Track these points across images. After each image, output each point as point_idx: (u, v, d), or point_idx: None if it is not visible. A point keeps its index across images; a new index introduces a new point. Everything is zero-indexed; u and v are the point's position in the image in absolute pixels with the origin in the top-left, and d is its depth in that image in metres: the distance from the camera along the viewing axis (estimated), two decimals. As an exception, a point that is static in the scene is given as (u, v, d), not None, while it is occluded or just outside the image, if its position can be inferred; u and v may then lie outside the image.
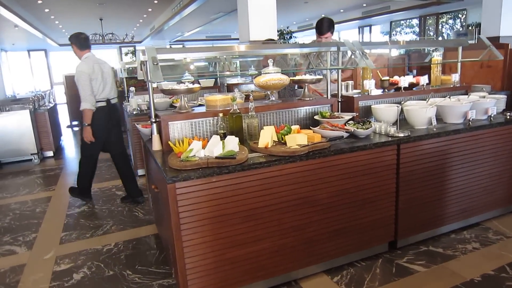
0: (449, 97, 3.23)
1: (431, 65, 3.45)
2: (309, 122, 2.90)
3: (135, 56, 13.97)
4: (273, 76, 2.77)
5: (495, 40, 6.30)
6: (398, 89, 3.25)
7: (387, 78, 3.31)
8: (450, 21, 13.02)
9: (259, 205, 2.16)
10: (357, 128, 2.51)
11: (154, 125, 2.55)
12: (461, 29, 12.11)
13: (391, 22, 14.75)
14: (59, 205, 4.33)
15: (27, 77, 18.98)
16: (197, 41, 19.15)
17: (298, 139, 2.25)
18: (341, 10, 13.88)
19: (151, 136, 2.61)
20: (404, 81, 3.19)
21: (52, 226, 3.74)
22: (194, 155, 2.15)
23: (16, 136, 6.33)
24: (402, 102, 3.03)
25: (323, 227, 2.37)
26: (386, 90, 3.27)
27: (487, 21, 9.19)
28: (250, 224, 2.15)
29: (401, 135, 2.50)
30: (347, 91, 3.25)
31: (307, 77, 2.97)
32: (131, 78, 6.71)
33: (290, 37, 13.30)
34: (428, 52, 4.43)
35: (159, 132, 2.57)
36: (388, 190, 2.53)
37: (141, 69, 2.62)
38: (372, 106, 2.94)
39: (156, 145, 2.56)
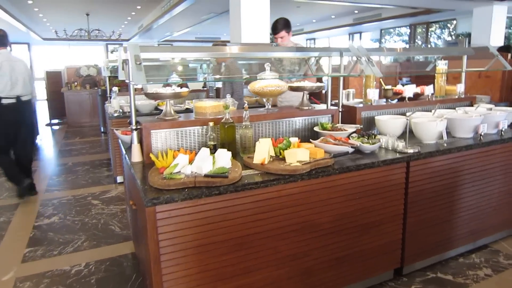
0: (455, 109, 3.02)
1: (436, 75, 3.23)
2: (308, 134, 2.63)
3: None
4: (270, 82, 2.49)
5: (484, 50, 6.20)
6: (401, 99, 3.01)
7: (390, 87, 3.07)
8: (439, 31, 13.02)
9: (253, 231, 1.86)
10: (363, 143, 2.25)
11: (135, 133, 2.23)
12: (450, 39, 12.10)
13: (381, 30, 14.69)
14: (27, 214, 3.95)
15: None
16: (186, 41, 18.77)
17: (299, 155, 1.97)
18: (333, 16, 13.74)
19: (131, 144, 2.29)
20: (409, 91, 2.95)
21: (15, 239, 3.36)
22: (179, 172, 1.85)
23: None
24: (407, 114, 2.79)
25: (323, 255, 2.09)
26: (389, 100, 3.03)
27: (477, 31, 9.18)
28: (241, 254, 1.85)
29: (411, 151, 2.24)
30: (347, 100, 3.00)
31: (307, 84, 2.70)
32: (115, 77, 6.34)
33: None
34: (429, 61, 4.22)
35: (140, 141, 2.25)
36: (395, 212, 2.27)
37: (123, 69, 2.31)
38: (376, 118, 2.69)
39: (136, 156, 2.24)
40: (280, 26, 3.65)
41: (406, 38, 14.18)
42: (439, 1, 8.87)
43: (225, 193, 1.74)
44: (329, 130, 2.45)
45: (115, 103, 4.61)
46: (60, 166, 5.88)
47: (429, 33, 12.72)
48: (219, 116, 2.34)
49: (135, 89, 2.28)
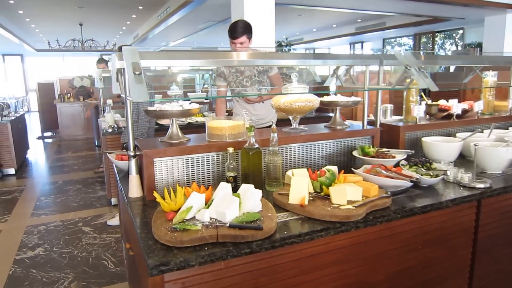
0: (508, 129, 2.59)
1: (483, 89, 2.79)
2: (344, 160, 2.17)
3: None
4: (300, 96, 2.04)
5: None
6: (447, 116, 2.57)
7: (432, 102, 2.63)
8: (445, 41, 12.71)
9: (292, 298, 1.39)
10: (421, 174, 1.79)
11: (133, 161, 1.76)
12: (458, 49, 11.79)
13: (383, 40, 14.38)
14: (8, 245, 3.44)
15: (0, 83, 17.72)
16: (183, 52, 18.38)
17: (349, 193, 1.51)
18: (334, 25, 13.42)
19: (128, 174, 1.82)
20: (457, 107, 2.51)
21: (-9, 280, 2.86)
22: (195, 219, 1.38)
23: (-31, 151, 5.38)
24: (458, 135, 2.35)
25: (377, 320, 1.62)
26: (433, 118, 2.59)
27: (489, 40, 8.81)
28: (278, 330, 1.37)
29: (481, 185, 1.79)
30: (384, 117, 2.56)
31: (341, 98, 2.26)
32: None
33: (289, 50, 12.69)
34: (458, 72, 3.80)
35: (140, 171, 1.79)
36: (461, 264, 1.81)
37: (117, 80, 1.85)
38: (423, 140, 2.24)
39: (134, 191, 1.77)
40: (240, 29, 2.99)
41: (408, 48, 13.88)
42: (448, 10, 8.54)
43: (258, 251, 1.27)
44: (373, 156, 1.99)
45: (109, 118, 4.14)
46: (50, 185, 5.38)
47: (435, 43, 12.41)
48: (240, 140, 1.88)
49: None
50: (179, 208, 1.45)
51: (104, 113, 4.77)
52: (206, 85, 7.44)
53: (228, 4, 5.35)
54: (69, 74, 11.17)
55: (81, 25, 12.21)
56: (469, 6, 7.46)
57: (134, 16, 11.27)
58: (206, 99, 5.64)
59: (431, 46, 12.54)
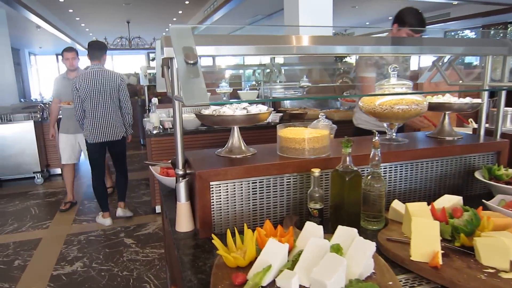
0: None
1: None
2: (458, 184, 1.60)
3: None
4: (403, 97, 1.50)
5: None
6: None
7: None
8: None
9: None
10: None
11: (182, 184, 1.32)
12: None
13: (445, 33, 13.22)
14: (47, 256, 3.18)
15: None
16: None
17: (507, 248, 0.97)
18: (390, 18, 12.48)
19: (176, 198, 1.37)
20: None
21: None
22: (275, 285, 0.90)
23: (17, 150, 5.28)
24: None
25: None
26: None
27: None
28: None
29: None
30: (504, 125, 1.95)
31: (452, 99, 1.69)
32: (155, 86, 5.60)
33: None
34: None
35: (191, 197, 1.34)
36: None
37: (163, 75, 1.43)
38: None
39: (183, 224, 1.33)
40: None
41: (472, 41, 12.65)
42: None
43: None
44: (509, 182, 1.42)
45: (155, 118, 3.79)
46: (93, 187, 5.16)
47: (507, 36, 11.16)
48: (324, 156, 1.38)
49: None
50: (249, 263, 0.99)
51: (149, 112, 4.45)
52: (253, 82, 7.00)
53: (279, -5, 4.89)
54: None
55: (128, 22, 12.24)
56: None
57: (180, 12, 11.08)
58: (257, 99, 5.18)
59: (500, 39, 11.30)
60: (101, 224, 3.78)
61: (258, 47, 1.31)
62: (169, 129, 3.77)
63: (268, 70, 4.72)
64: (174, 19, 12.46)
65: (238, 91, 4.83)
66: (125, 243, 3.34)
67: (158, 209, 3.97)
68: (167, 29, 14.82)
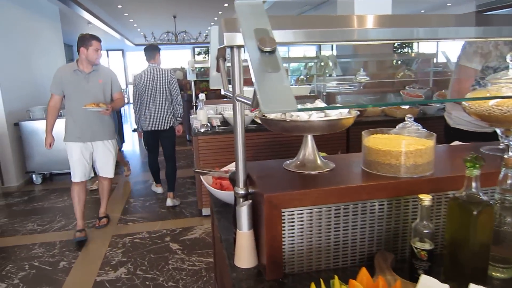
0: None
1: None
2: None
3: (209, 54, 12.83)
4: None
5: None
6: None
7: None
8: None
9: None
10: None
11: (245, 208, 1.03)
12: None
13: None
14: (91, 259, 3.06)
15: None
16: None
17: None
18: (449, 4, 11.54)
19: (234, 223, 1.10)
20: None
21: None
22: None
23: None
24: None
25: None
26: None
27: None
28: None
29: None
30: None
31: None
32: (202, 81, 5.41)
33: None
34: None
35: (255, 224, 1.05)
36: None
37: (218, 69, 1.17)
38: None
39: (244, 259, 1.05)
40: None
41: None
42: None
43: None
44: None
45: (202, 115, 3.56)
46: (141, 184, 5.09)
47: None
48: (427, 175, 1.04)
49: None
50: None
51: (196, 109, 4.26)
52: (301, 77, 6.63)
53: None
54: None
55: (174, 17, 12.25)
56: None
57: (226, 4, 10.88)
58: (310, 94, 4.83)
59: None
60: (154, 191, 4.63)
61: (340, 31, 0.98)
62: (217, 127, 3.54)
63: (321, 63, 4.35)
64: (220, 12, 12.30)
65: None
66: (171, 249, 3.15)
67: (205, 211, 3.76)
68: (212, 23, 14.75)
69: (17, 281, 2.80)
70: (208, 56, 11.30)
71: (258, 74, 0.71)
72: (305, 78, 6.02)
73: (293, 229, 1.00)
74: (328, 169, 1.13)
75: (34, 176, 5.31)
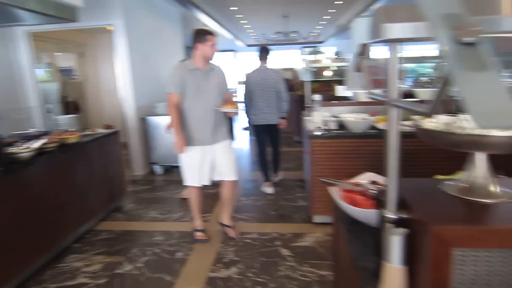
0: None
1: None
2: None
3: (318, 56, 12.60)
4: None
5: None
6: None
7: None
8: None
9: None
10: None
11: (396, 240, 0.84)
12: None
13: None
14: (205, 253, 3.16)
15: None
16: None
17: None
18: None
19: (376, 235, 0.91)
20: None
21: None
22: None
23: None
24: None
25: None
26: None
27: None
28: None
29: None
30: None
31: None
32: (315, 81, 5.26)
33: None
34: None
35: (412, 262, 0.85)
36: None
37: (359, 68, 1.00)
38: None
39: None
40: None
41: None
42: None
43: None
44: None
45: (318, 118, 3.40)
46: (251, 182, 5.14)
47: None
48: None
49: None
50: None
51: (310, 110, 4.11)
52: (425, 78, 5.99)
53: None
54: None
55: (285, 17, 12.30)
56: None
57: (336, 2, 10.51)
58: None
59: None
60: (264, 191, 4.68)
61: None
62: (331, 131, 3.34)
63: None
64: (331, 10, 11.97)
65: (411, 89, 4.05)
66: (281, 254, 3.07)
67: (316, 219, 3.59)
68: (320, 22, 14.45)
69: (140, 264, 3.01)
70: (316, 56, 11.02)
71: (458, 73, 0.52)
72: (429, 81, 5.43)
73: (463, 275, 0.77)
74: (509, 199, 0.87)
75: (156, 167, 5.79)
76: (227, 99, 3.26)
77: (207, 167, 3.19)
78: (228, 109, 3.12)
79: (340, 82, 6.08)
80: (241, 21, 13.11)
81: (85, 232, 3.63)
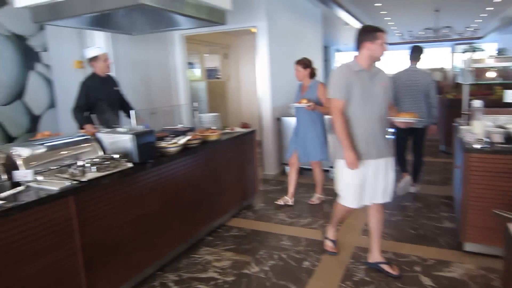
0: None
1: None
2: None
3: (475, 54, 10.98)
4: None
5: None
6: None
7: None
8: None
9: None
10: None
11: None
12: None
13: None
14: (333, 266, 2.96)
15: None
16: None
17: None
18: None
19: None
20: None
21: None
22: None
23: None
24: None
25: None
26: None
27: None
28: None
29: None
30: None
31: None
32: (474, 84, 4.52)
33: None
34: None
35: None
36: None
37: None
38: None
39: None
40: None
41: None
42: None
43: None
44: None
45: (479, 128, 2.85)
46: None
47: None
48: None
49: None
50: None
51: (467, 118, 3.52)
52: None
53: None
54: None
55: (437, 11, 11.05)
56: None
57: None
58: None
59: None
60: (407, 191, 4.49)
61: None
62: (495, 145, 2.76)
63: None
64: (495, 0, 10.26)
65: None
66: (422, 283, 2.66)
67: (468, 246, 3.03)
68: (481, 15, 12.53)
69: (267, 268, 2.99)
70: (475, 55, 9.61)
71: None
72: None
73: None
74: None
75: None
76: (390, 106, 2.83)
77: (369, 184, 2.73)
78: (405, 118, 2.73)
79: (505, 86, 5.11)
80: (385, 18, 12.31)
81: (218, 227, 3.81)
